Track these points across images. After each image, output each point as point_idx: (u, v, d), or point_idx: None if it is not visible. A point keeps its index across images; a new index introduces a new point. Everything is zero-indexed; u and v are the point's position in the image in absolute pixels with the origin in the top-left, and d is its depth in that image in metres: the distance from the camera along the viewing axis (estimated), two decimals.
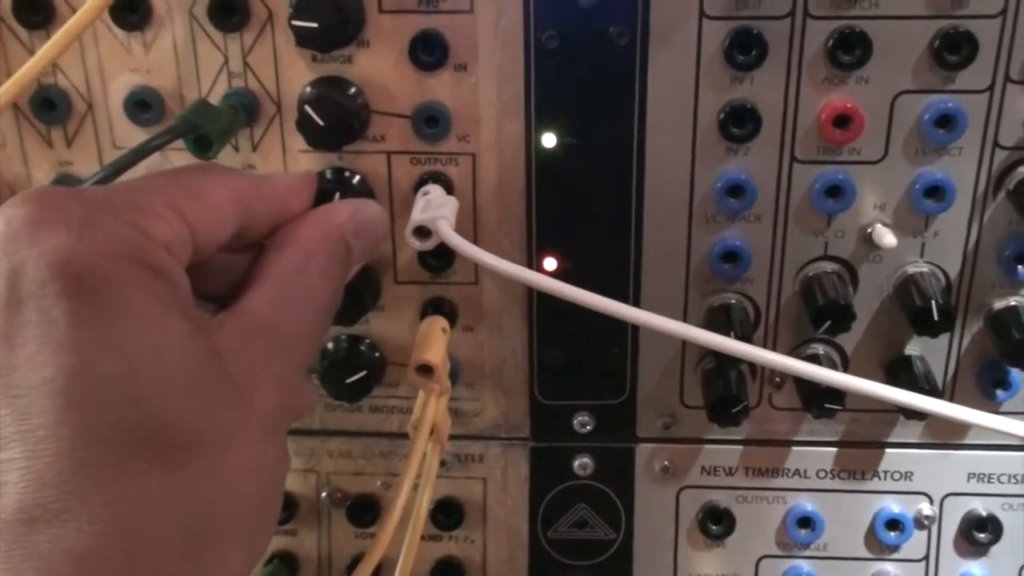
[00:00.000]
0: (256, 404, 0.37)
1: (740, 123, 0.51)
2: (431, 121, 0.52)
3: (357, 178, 0.54)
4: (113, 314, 0.33)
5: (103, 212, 0.35)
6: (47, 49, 0.46)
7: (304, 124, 0.51)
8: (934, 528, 0.60)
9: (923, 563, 0.60)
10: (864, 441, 0.59)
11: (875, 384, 0.46)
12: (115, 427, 0.32)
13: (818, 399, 0.55)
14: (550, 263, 0.55)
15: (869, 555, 0.60)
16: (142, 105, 0.53)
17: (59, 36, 0.47)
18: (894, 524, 0.59)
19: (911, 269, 0.54)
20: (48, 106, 0.53)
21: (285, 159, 0.54)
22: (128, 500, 0.32)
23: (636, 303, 0.55)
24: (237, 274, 0.41)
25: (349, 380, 0.56)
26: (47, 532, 0.31)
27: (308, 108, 0.50)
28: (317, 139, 0.51)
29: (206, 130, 0.49)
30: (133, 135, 0.54)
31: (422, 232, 0.49)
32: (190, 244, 0.38)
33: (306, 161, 0.54)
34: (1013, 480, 0.58)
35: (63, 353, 0.32)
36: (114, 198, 0.36)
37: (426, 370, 0.51)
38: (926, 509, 0.59)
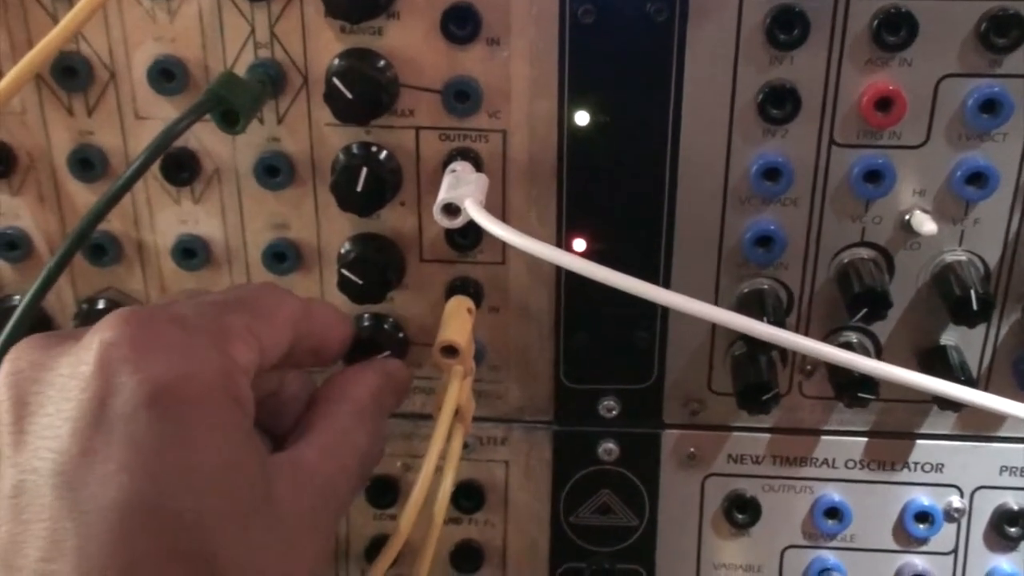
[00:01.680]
0: (299, 551, 0.38)
1: (779, 104, 0.50)
2: (461, 96, 0.51)
3: (384, 152, 0.52)
4: (195, 446, 0.35)
5: (198, 336, 0.37)
6: (70, 18, 0.45)
7: (332, 97, 0.50)
8: (964, 521, 0.59)
9: (952, 556, 0.59)
10: (895, 432, 0.58)
11: (911, 373, 0.45)
12: (171, 555, 0.34)
13: (851, 388, 0.54)
14: (579, 244, 0.54)
15: (897, 547, 0.59)
16: (166, 74, 0.52)
17: (83, 4, 0.46)
18: (923, 516, 0.58)
19: (949, 257, 0.53)
20: (70, 74, 0.52)
21: (311, 133, 0.53)
22: None
23: (666, 286, 0.54)
24: (284, 407, 0.44)
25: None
26: None
27: (336, 80, 0.49)
28: (345, 112, 0.50)
29: (233, 104, 0.47)
30: (156, 105, 0.53)
31: (450, 209, 0.48)
32: (258, 365, 0.40)
33: (333, 135, 0.53)
34: None
35: (140, 478, 0.34)
36: (204, 319, 0.38)
37: (451, 351, 0.50)
38: (956, 502, 0.58)
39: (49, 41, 0.45)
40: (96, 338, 0.36)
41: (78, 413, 0.34)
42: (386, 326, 0.56)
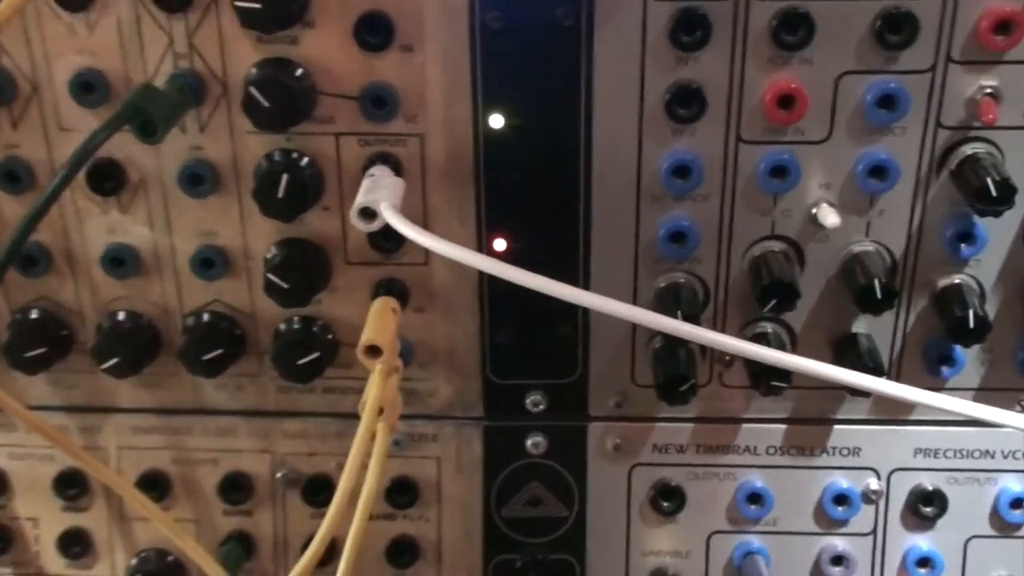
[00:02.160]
0: None
1: (686, 104, 0.51)
2: (378, 102, 0.52)
3: (305, 160, 0.53)
4: None
5: None
6: None
7: (250, 106, 0.51)
8: (881, 503, 0.60)
9: (871, 537, 0.61)
10: (812, 418, 0.59)
11: (818, 363, 0.47)
12: None
13: (765, 377, 0.55)
14: (500, 243, 0.55)
15: (818, 530, 0.61)
16: (87, 87, 0.53)
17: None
18: (842, 499, 0.60)
19: (856, 248, 0.54)
20: None
21: (233, 140, 0.54)
22: None
23: (586, 283, 0.56)
24: None
25: (301, 361, 0.56)
26: None
27: (253, 89, 0.50)
28: (263, 121, 0.51)
29: (151, 114, 0.48)
30: (79, 117, 0.54)
31: (367, 213, 0.50)
32: None
33: (254, 142, 0.54)
34: (958, 455, 0.59)
35: None
36: None
37: (374, 350, 0.51)
38: (873, 484, 0.60)
39: None
40: None
41: None
42: (315, 328, 0.57)
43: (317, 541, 0.49)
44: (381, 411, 0.51)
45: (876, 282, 0.52)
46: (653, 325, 0.47)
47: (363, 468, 0.51)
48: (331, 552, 0.55)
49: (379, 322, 0.53)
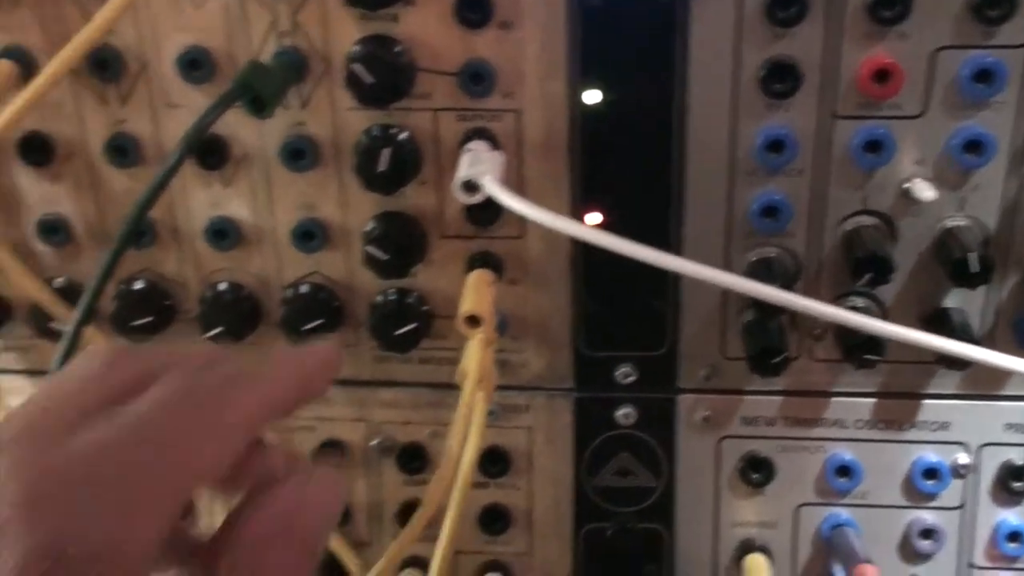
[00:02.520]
0: None
1: (781, 79, 0.52)
2: (476, 78, 0.53)
3: (404, 134, 0.55)
4: None
5: (95, 503, 0.30)
6: (104, 14, 0.47)
7: (353, 81, 0.52)
8: (970, 477, 0.60)
9: (959, 511, 0.61)
10: (902, 392, 0.59)
11: (916, 332, 0.48)
12: None
13: (858, 350, 0.55)
14: (593, 218, 0.56)
15: (906, 503, 0.61)
16: (194, 64, 0.54)
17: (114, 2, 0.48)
18: (931, 473, 0.60)
19: (950, 223, 0.54)
20: (103, 65, 0.55)
21: (334, 116, 0.55)
22: None
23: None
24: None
25: (398, 332, 0.58)
26: None
27: (357, 66, 0.52)
28: (365, 96, 0.53)
29: (261, 91, 0.50)
30: (185, 93, 0.55)
31: (469, 186, 0.51)
32: (174, 522, 0.33)
33: (354, 118, 0.55)
34: None
35: None
36: (111, 475, 0.31)
37: (473, 321, 0.52)
38: (963, 458, 0.60)
39: (83, 37, 0.47)
40: None
41: None
42: (410, 300, 0.59)
43: (424, 510, 0.50)
44: (480, 381, 0.53)
45: (971, 256, 0.52)
46: (754, 293, 0.48)
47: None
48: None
49: (478, 293, 0.54)
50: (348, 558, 0.60)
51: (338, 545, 0.59)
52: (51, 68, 0.48)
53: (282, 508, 0.34)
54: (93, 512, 0.30)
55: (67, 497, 0.30)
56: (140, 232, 0.59)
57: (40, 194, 0.59)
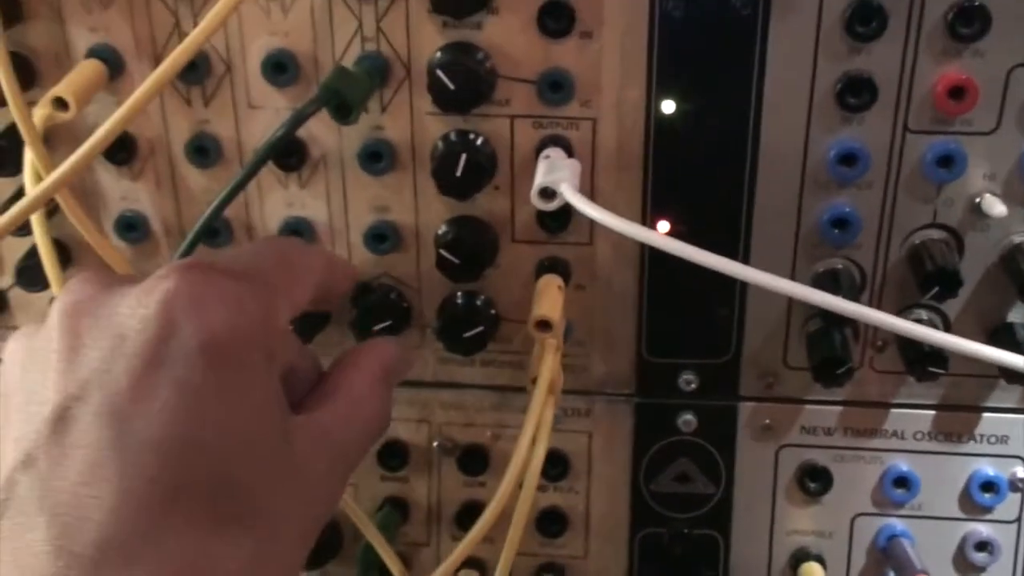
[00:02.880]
0: (314, 501, 0.41)
1: (856, 93, 0.53)
2: (555, 86, 0.54)
3: (481, 139, 0.56)
4: (235, 396, 0.38)
5: (248, 293, 0.40)
6: (207, 23, 0.48)
7: (435, 87, 0.53)
8: None
9: (1015, 524, 0.62)
10: (962, 405, 0.60)
11: (985, 347, 0.48)
12: (202, 493, 0.36)
13: (922, 362, 0.56)
14: (663, 226, 0.57)
15: (963, 515, 0.62)
16: (279, 67, 0.55)
17: (213, 14, 0.49)
18: (988, 486, 0.61)
19: (1018, 239, 0.55)
20: (190, 68, 0.55)
21: (412, 121, 0.56)
22: (195, 559, 0.36)
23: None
24: (295, 381, 0.45)
25: (466, 335, 0.58)
26: (117, 574, 0.34)
27: (440, 72, 0.52)
28: (447, 102, 0.53)
29: (347, 97, 0.51)
30: (268, 95, 0.56)
31: (547, 193, 0.52)
32: (290, 320, 0.44)
33: (432, 123, 0.56)
34: None
35: (181, 420, 0.36)
36: (254, 280, 0.41)
37: (545, 325, 0.53)
38: (1020, 472, 0.61)
39: (186, 46, 0.48)
40: (159, 284, 0.38)
41: (133, 351, 0.37)
42: (478, 303, 0.60)
43: (489, 515, 0.51)
44: (549, 386, 0.53)
45: None
46: (822, 303, 0.49)
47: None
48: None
49: (550, 298, 0.55)
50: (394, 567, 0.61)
51: (387, 557, 0.60)
52: (148, 84, 0.48)
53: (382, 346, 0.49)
54: (246, 305, 0.39)
55: (225, 295, 0.39)
56: (215, 230, 0.60)
57: (120, 191, 0.60)
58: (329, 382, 0.46)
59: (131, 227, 0.60)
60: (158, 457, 0.35)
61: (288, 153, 0.57)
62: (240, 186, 0.51)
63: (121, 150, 0.58)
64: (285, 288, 0.43)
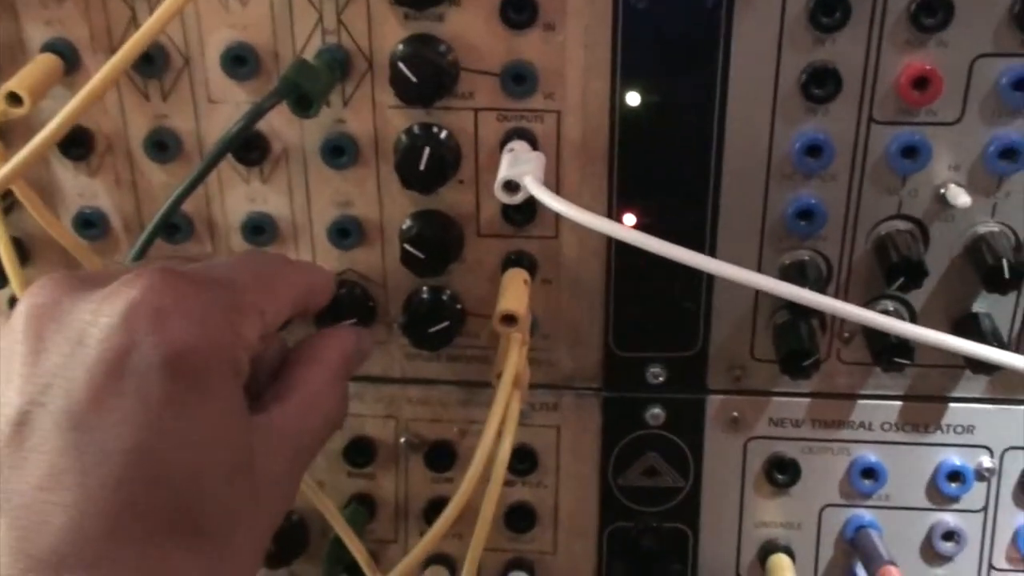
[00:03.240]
0: (268, 508, 0.42)
1: (821, 84, 0.52)
2: (519, 79, 0.54)
3: (444, 133, 0.55)
4: (197, 409, 0.38)
5: (215, 310, 0.39)
6: (163, 11, 0.47)
7: (397, 80, 0.52)
8: (994, 480, 0.61)
9: (982, 514, 0.62)
10: (928, 395, 0.60)
11: (950, 336, 0.48)
12: (162, 505, 0.36)
13: (888, 353, 0.56)
14: (629, 219, 0.57)
15: (930, 505, 0.62)
16: (238, 60, 0.54)
17: (166, 6, 0.48)
18: (955, 476, 0.61)
19: (982, 229, 0.55)
20: (146, 60, 0.55)
21: (375, 115, 0.55)
22: (152, 571, 0.36)
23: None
24: (261, 367, 0.46)
25: (431, 330, 0.58)
26: None
27: (402, 65, 0.52)
28: (409, 95, 0.53)
29: (307, 89, 0.50)
30: (228, 89, 0.56)
31: (511, 186, 0.51)
32: (260, 338, 0.42)
33: (395, 116, 0.55)
34: None
35: (143, 432, 0.36)
36: (222, 295, 0.41)
37: (510, 319, 0.53)
38: (986, 462, 0.61)
39: (135, 42, 0.47)
40: (124, 292, 0.38)
41: (95, 360, 0.37)
42: (444, 298, 0.59)
43: (453, 507, 0.51)
44: (515, 380, 0.53)
45: (1005, 262, 0.53)
46: (789, 296, 0.49)
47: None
48: None
49: (514, 292, 0.55)
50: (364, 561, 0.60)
51: (356, 550, 0.59)
52: (103, 73, 0.47)
53: (339, 339, 0.49)
54: (211, 319, 0.39)
55: (189, 308, 0.38)
56: (175, 226, 0.59)
57: (78, 188, 0.59)
58: (288, 377, 0.45)
59: (90, 224, 0.59)
60: (118, 468, 0.35)
61: (249, 147, 0.56)
62: (198, 181, 0.50)
63: (78, 145, 0.57)
64: (258, 304, 0.43)
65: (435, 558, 0.65)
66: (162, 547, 0.36)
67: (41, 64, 0.54)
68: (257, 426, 0.41)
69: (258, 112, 0.50)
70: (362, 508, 0.64)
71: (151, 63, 0.55)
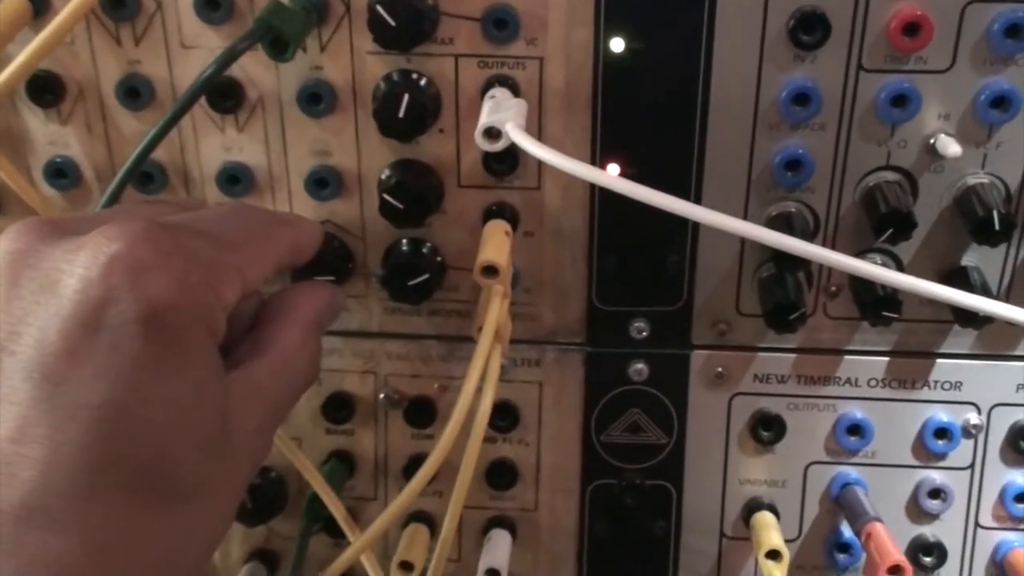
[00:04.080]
0: (241, 468, 0.41)
1: (809, 30, 0.51)
2: (500, 24, 0.53)
3: (424, 80, 0.54)
4: (172, 367, 0.37)
5: (196, 269, 0.38)
6: None
7: (375, 24, 0.51)
8: (981, 437, 0.61)
9: (968, 471, 0.61)
10: (916, 351, 0.59)
11: (940, 286, 0.47)
12: (133, 465, 0.36)
13: (875, 307, 0.55)
14: (613, 168, 0.56)
15: (916, 463, 0.61)
16: (212, 3, 0.53)
17: None
18: (942, 433, 0.60)
19: (972, 180, 0.54)
20: (117, 4, 0.54)
21: (353, 61, 0.54)
22: (120, 530, 0.35)
23: None
24: (237, 321, 0.44)
25: (411, 283, 0.57)
26: (40, 536, 0.33)
27: (379, 7, 0.50)
28: (388, 39, 0.52)
29: (282, 32, 0.49)
30: (201, 34, 0.54)
31: (491, 133, 0.50)
32: (238, 299, 0.41)
33: (374, 63, 0.54)
34: None
35: (117, 388, 0.35)
36: (204, 253, 0.39)
37: (491, 271, 0.52)
38: (974, 419, 0.60)
39: None
40: (105, 246, 0.37)
41: (70, 312, 0.35)
42: (424, 250, 0.58)
43: (434, 459, 0.50)
44: (495, 333, 0.52)
45: (995, 213, 0.52)
46: (773, 243, 0.47)
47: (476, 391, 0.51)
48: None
49: (495, 243, 0.53)
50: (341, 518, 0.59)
51: (334, 507, 0.58)
52: (67, 12, 0.46)
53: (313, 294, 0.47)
54: (191, 277, 0.38)
55: (171, 265, 0.37)
56: (148, 175, 0.57)
57: (49, 136, 0.57)
58: (262, 333, 0.44)
59: (61, 173, 0.58)
60: (90, 424, 0.35)
61: (224, 94, 0.55)
62: (169, 126, 0.48)
63: (48, 92, 0.55)
64: (242, 264, 0.41)
65: (416, 516, 0.64)
66: (131, 508, 0.35)
67: (8, 7, 0.52)
68: (231, 385, 0.40)
69: (231, 55, 0.48)
70: (341, 465, 0.63)
71: (123, 6, 0.54)
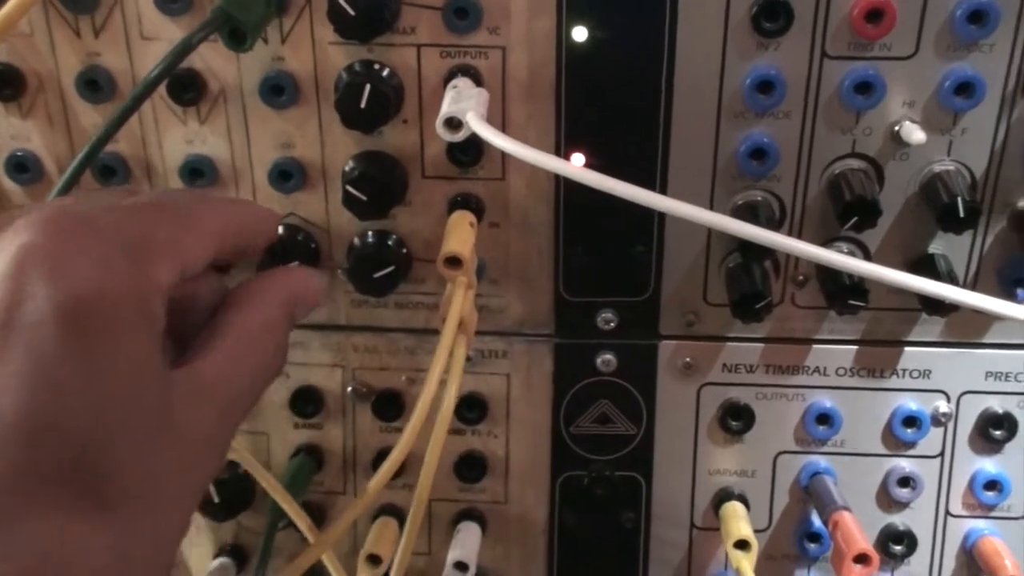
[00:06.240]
0: (196, 468, 0.37)
1: (773, 17, 0.51)
2: (461, 13, 0.52)
3: (387, 70, 0.53)
4: (101, 365, 0.33)
5: (119, 251, 0.35)
6: None
7: (335, 14, 0.51)
8: (950, 425, 0.60)
9: (938, 459, 0.61)
10: (884, 340, 0.59)
11: (904, 274, 0.47)
12: (64, 476, 0.32)
13: (842, 295, 0.55)
14: (577, 158, 0.55)
15: (886, 451, 0.61)
16: None
17: None
18: (911, 421, 0.60)
19: (937, 167, 0.54)
20: None
21: (315, 52, 0.54)
22: (59, 546, 0.32)
23: None
24: (195, 309, 0.41)
25: (376, 275, 0.56)
26: None
27: None
28: (348, 29, 0.51)
29: (241, 22, 0.48)
30: (161, 25, 0.54)
31: (453, 123, 0.50)
32: (177, 280, 0.37)
33: (336, 54, 0.54)
34: None
35: (39, 391, 0.32)
36: (128, 231, 0.36)
37: (454, 262, 0.51)
38: (943, 407, 0.60)
39: None
40: (15, 238, 0.33)
41: None
42: (389, 242, 0.58)
43: (397, 452, 0.50)
44: (459, 325, 0.52)
45: (960, 200, 0.52)
46: (739, 233, 0.47)
47: (441, 384, 0.51)
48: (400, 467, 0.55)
49: (459, 234, 0.53)
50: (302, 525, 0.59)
51: (293, 514, 0.58)
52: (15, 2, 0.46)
53: (279, 281, 0.43)
54: (115, 263, 0.34)
55: (89, 251, 0.34)
56: (110, 169, 0.57)
57: (9, 130, 0.57)
58: (217, 322, 0.40)
59: (23, 168, 0.57)
60: (10, 433, 0.31)
61: (184, 86, 0.55)
62: (123, 119, 0.47)
63: (8, 85, 0.55)
64: (172, 241, 0.37)
65: (385, 509, 0.64)
66: (65, 523, 0.32)
67: None
68: (177, 379, 0.37)
69: (188, 44, 0.48)
70: (309, 459, 0.63)
71: None
